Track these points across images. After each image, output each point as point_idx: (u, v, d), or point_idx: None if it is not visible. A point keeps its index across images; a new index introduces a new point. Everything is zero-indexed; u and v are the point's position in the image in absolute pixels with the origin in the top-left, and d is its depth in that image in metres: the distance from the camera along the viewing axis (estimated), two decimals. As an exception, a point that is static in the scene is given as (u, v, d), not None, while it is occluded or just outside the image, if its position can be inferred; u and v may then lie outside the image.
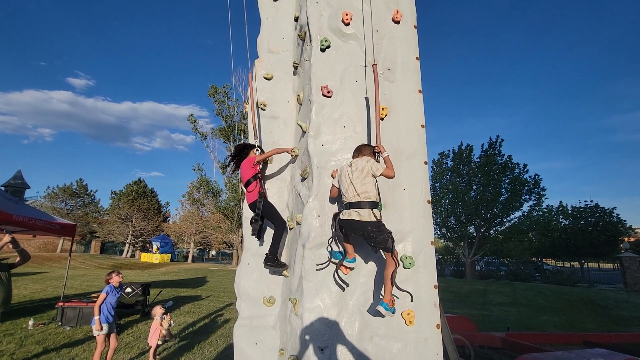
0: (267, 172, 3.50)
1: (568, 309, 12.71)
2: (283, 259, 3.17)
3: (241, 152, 3.43)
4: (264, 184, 3.39)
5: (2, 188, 32.58)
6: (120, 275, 5.18)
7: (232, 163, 3.52)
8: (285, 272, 3.08)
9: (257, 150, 3.39)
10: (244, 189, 3.27)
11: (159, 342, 5.53)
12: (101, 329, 4.70)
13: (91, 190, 41.69)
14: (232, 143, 28.20)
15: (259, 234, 3.25)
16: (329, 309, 2.50)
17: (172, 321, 5.80)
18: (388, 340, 2.49)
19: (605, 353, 4.50)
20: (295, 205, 3.09)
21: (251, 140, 3.54)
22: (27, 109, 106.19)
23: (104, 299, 4.84)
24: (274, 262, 3.01)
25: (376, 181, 2.55)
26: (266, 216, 3.17)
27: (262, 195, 3.17)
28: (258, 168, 3.28)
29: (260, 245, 3.32)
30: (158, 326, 5.52)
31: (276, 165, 3.51)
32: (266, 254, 3.08)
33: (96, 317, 4.69)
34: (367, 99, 3.03)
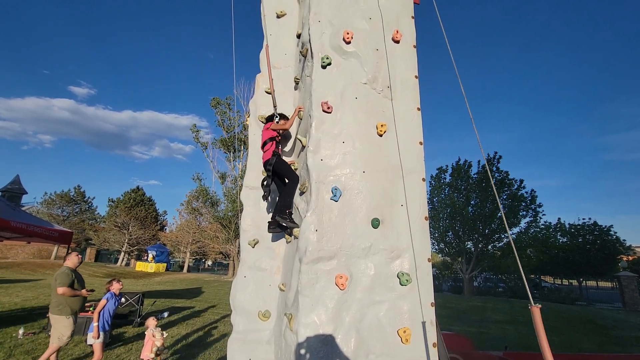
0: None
1: (566, 328, 12.57)
2: (279, 275, 3.15)
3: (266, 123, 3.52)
4: (280, 148, 3.42)
5: (0, 193, 32.45)
6: (120, 282, 5.19)
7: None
8: (295, 231, 2.88)
9: (276, 117, 3.45)
10: (262, 151, 3.34)
11: (152, 356, 5.43)
12: (98, 336, 4.62)
13: (88, 197, 41.52)
14: (232, 154, 28.49)
15: (268, 197, 3.23)
16: (325, 325, 2.49)
17: (165, 332, 5.72)
18: (384, 358, 2.47)
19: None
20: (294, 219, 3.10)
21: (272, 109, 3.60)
22: (28, 116, 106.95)
23: (104, 306, 4.79)
24: (285, 216, 2.93)
25: None
26: (279, 172, 3.17)
27: (277, 153, 3.22)
28: (276, 133, 3.35)
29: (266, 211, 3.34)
30: (150, 338, 5.44)
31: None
32: (273, 213, 3.02)
33: (95, 324, 4.62)
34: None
